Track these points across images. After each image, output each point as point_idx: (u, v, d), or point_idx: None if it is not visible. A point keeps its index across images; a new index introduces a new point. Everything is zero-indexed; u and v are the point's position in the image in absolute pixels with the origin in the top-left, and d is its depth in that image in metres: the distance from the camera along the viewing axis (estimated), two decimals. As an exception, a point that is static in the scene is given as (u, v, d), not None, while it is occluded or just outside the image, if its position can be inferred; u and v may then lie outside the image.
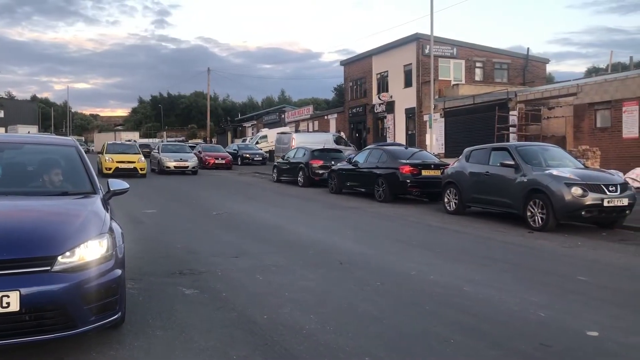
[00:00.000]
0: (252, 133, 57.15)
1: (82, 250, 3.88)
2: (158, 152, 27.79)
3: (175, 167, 26.09)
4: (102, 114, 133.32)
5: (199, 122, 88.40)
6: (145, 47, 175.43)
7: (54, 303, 3.68)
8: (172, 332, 4.52)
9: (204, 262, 7.18)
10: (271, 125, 53.19)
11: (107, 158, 23.74)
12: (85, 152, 5.73)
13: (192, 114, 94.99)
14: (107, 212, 4.57)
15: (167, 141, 47.91)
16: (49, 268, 3.71)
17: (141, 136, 73.71)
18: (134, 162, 23.74)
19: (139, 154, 25.18)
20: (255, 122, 63.14)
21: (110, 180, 5.34)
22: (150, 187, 19.17)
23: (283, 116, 54.44)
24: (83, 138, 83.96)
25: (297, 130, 44.17)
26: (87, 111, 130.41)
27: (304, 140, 27.82)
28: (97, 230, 4.11)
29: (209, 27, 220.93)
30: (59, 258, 3.77)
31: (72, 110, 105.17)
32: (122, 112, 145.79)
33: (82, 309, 3.78)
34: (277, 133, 36.77)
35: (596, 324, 4.87)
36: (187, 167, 26.29)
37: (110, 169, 23.01)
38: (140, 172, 23.63)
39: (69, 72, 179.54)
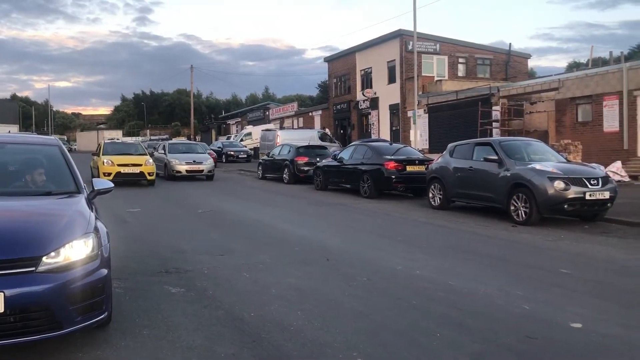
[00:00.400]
0: (237, 130, 57.03)
1: (67, 251, 3.86)
2: (164, 154, 22.64)
3: (187, 171, 21.34)
4: (84, 113, 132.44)
5: (182, 119, 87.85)
6: (127, 45, 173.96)
7: (38, 304, 3.65)
8: (159, 331, 4.50)
9: (190, 261, 7.16)
10: (255, 122, 53.08)
11: (105, 161, 18.79)
12: (68, 151, 5.68)
13: (175, 111, 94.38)
14: (92, 211, 4.54)
15: (157, 138, 46.13)
16: (33, 269, 3.68)
17: (124, 134, 73.06)
18: (140, 164, 18.88)
19: (145, 154, 20.23)
20: (239, 120, 62.96)
21: (95, 180, 5.32)
22: (135, 186, 18.98)
23: (267, 113, 54.30)
24: (65, 137, 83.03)
25: (281, 127, 44.03)
26: (69, 110, 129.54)
27: (289, 137, 27.77)
28: (82, 230, 4.08)
29: (192, 24, 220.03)
30: (44, 258, 3.74)
31: (54, 109, 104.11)
32: (105, 110, 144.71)
33: (68, 309, 3.75)
34: (262, 130, 36.69)
35: (580, 316, 4.95)
36: (202, 171, 21.56)
37: (109, 174, 17.92)
38: (148, 177, 18.92)
39: (50, 70, 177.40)
